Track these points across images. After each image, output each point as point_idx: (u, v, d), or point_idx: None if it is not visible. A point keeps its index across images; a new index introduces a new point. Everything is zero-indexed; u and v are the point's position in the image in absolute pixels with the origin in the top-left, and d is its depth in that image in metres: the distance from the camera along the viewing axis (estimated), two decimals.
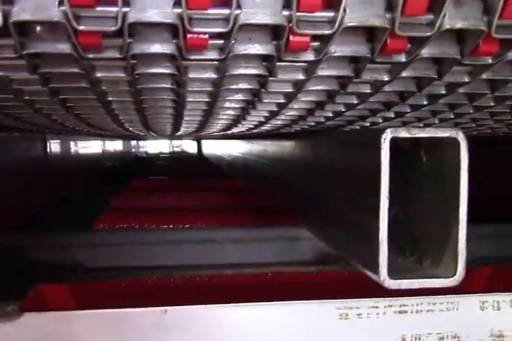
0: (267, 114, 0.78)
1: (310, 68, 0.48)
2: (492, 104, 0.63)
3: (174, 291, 0.95)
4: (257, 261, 0.89)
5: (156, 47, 0.41)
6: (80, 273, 0.87)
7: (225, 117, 0.84)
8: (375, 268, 0.48)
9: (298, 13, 0.37)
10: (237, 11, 0.36)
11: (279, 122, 0.89)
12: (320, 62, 0.45)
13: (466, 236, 0.48)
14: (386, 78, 0.51)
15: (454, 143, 0.49)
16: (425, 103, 0.64)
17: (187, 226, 1.12)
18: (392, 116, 0.77)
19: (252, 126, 1.00)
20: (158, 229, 0.98)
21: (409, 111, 0.71)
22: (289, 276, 0.95)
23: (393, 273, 0.49)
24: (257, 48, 0.42)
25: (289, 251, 0.91)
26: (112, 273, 0.87)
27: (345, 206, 0.63)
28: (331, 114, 0.76)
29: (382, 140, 0.47)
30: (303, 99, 0.61)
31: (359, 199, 0.55)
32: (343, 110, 0.70)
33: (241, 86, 0.54)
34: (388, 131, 0.48)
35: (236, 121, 0.90)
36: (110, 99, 0.61)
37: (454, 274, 0.50)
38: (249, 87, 0.54)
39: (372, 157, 0.49)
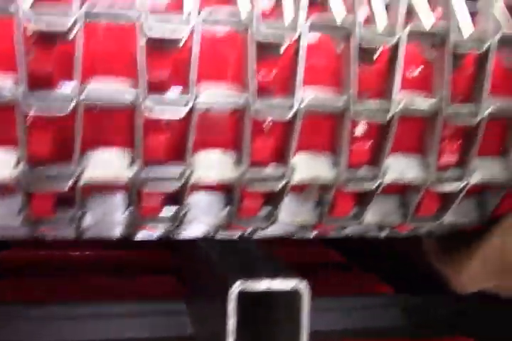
0: None
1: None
2: None
3: None
4: (136, 336, 0.87)
5: None
6: None
7: None
8: None
9: (140, 216, 0.38)
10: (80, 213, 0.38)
11: None
12: None
13: None
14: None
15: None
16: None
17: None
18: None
19: None
20: (32, 302, 0.92)
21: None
22: None
23: None
24: None
25: (168, 326, 0.89)
26: None
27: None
28: None
29: (230, 293, 0.48)
30: None
31: (213, 325, 0.55)
32: None
33: None
34: (237, 283, 0.49)
35: None
36: None
37: None
38: None
39: (220, 302, 0.49)
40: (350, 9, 0.37)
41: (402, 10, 0.38)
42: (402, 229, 0.44)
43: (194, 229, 0.41)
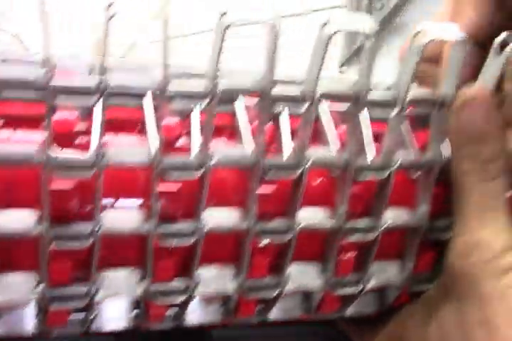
0: None
1: None
2: None
3: None
4: None
5: None
6: None
7: None
8: None
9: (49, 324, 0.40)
10: None
11: None
12: None
13: None
14: None
15: None
16: None
17: None
18: None
19: None
20: None
21: None
22: None
23: None
24: None
25: None
26: None
27: None
28: None
29: None
30: None
31: None
32: None
33: None
34: None
35: None
36: None
37: None
38: None
39: None
40: (257, 136, 0.38)
41: (308, 133, 0.39)
42: (306, 319, 0.47)
43: (109, 327, 0.42)
